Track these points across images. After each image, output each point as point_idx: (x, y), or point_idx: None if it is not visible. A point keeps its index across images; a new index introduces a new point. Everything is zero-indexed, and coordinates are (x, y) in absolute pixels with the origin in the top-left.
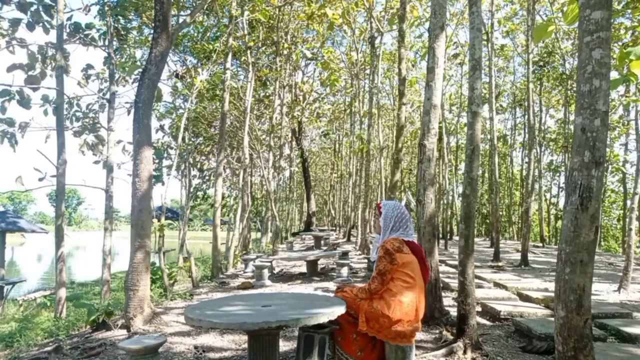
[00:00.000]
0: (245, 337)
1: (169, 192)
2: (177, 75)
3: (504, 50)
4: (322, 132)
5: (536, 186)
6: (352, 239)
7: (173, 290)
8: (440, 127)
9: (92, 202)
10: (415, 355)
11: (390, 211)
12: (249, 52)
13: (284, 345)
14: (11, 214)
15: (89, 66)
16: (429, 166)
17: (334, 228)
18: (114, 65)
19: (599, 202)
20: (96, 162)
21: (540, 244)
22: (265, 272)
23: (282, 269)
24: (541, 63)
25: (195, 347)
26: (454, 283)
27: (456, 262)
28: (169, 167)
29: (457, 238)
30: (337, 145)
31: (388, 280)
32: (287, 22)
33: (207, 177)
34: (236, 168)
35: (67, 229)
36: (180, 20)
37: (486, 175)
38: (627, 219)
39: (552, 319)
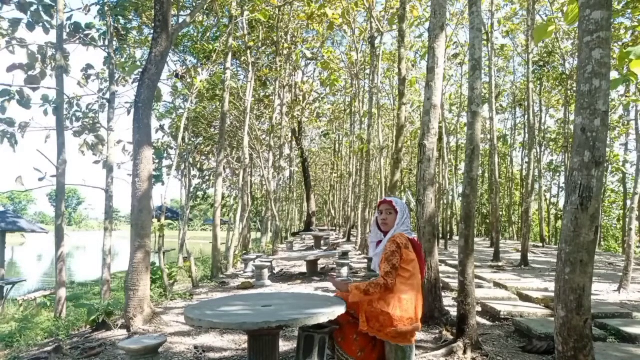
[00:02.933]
0: (245, 337)
1: (169, 192)
2: (177, 75)
3: (504, 50)
4: (322, 132)
5: (536, 186)
6: (352, 239)
7: (173, 290)
8: (440, 127)
9: (92, 202)
10: (415, 355)
11: (403, 205)
12: (249, 52)
13: (284, 345)
14: (11, 214)
15: (89, 66)
16: (429, 166)
17: (334, 228)
18: (114, 65)
19: (599, 202)
20: (96, 162)
21: (540, 244)
22: (265, 272)
23: (282, 269)
24: (541, 63)
25: (195, 347)
26: (454, 283)
27: (456, 262)
28: (169, 167)
29: (457, 238)
30: (337, 145)
31: (396, 275)
32: (287, 22)
33: (207, 177)
34: (236, 168)
35: (67, 229)
36: (180, 20)
37: (486, 175)
38: (627, 219)
39: (552, 319)
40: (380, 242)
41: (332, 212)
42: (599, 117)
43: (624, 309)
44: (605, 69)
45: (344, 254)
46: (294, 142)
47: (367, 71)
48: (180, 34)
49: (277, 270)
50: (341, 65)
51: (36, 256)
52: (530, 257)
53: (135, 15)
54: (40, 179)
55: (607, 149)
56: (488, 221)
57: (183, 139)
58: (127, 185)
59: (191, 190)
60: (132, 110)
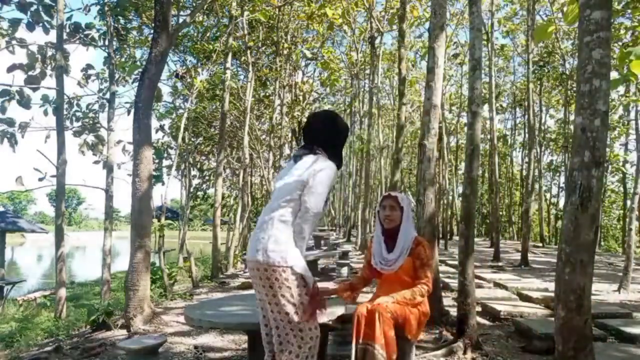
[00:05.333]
0: (245, 337)
1: (169, 192)
2: (177, 75)
3: (504, 50)
4: None
5: (536, 186)
6: (352, 239)
7: (173, 290)
8: (440, 127)
9: (92, 202)
10: (415, 355)
11: (407, 201)
12: (249, 52)
13: None
14: (11, 214)
15: (89, 66)
16: (429, 166)
17: (334, 228)
18: (114, 65)
19: (599, 202)
20: (96, 162)
21: (540, 244)
22: None
23: None
24: (541, 63)
25: (195, 347)
26: (454, 283)
27: (456, 262)
28: (169, 167)
29: (457, 238)
30: None
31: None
32: (287, 22)
33: (207, 177)
34: (236, 168)
35: (67, 228)
36: (180, 20)
37: (486, 175)
38: (627, 219)
39: (552, 319)
40: (385, 240)
41: (332, 212)
42: (599, 117)
43: (624, 309)
44: (605, 69)
45: (344, 254)
46: (294, 142)
47: (367, 71)
48: (180, 34)
49: None
50: (341, 65)
51: (36, 256)
52: (530, 257)
53: (135, 15)
54: (40, 179)
55: (607, 149)
56: (488, 221)
57: (183, 139)
58: (127, 185)
59: (191, 190)
60: (132, 110)
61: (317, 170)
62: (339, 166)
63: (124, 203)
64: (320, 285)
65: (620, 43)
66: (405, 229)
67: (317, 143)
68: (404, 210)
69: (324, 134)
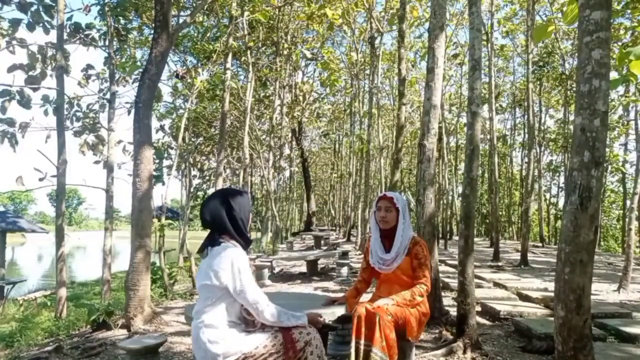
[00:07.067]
0: None
1: (170, 192)
2: (177, 76)
3: (503, 50)
4: (322, 132)
5: (536, 186)
6: (352, 238)
7: (173, 290)
8: (440, 127)
9: (93, 202)
10: (415, 354)
11: (403, 202)
12: (249, 52)
13: None
14: (11, 214)
15: (89, 66)
16: (428, 166)
17: (334, 228)
18: (114, 66)
19: (598, 202)
20: (96, 162)
21: (540, 244)
22: (265, 272)
23: (282, 269)
24: (541, 63)
25: None
26: (454, 283)
27: (456, 262)
28: (169, 167)
29: (457, 238)
30: (337, 145)
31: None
32: (287, 23)
33: (207, 177)
34: (236, 168)
35: (67, 228)
36: (181, 20)
37: (486, 175)
38: (627, 219)
39: (552, 318)
40: (382, 240)
41: (332, 212)
42: (599, 117)
43: (624, 309)
44: (604, 69)
45: (344, 254)
46: (294, 142)
47: (367, 71)
48: (180, 34)
49: (277, 270)
50: (341, 66)
51: (36, 256)
52: (530, 257)
53: (135, 16)
54: (41, 179)
55: (607, 149)
56: (488, 221)
57: (183, 139)
58: (128, 185)
59: (191, 190)
60: (133, 111)
61: (235, 272)
62: (246, 244)
63: (124, 203)
64: (324, 287)
65: (620, 43)
66: (402, 229)
67: (218, 229)
68: (400, 211)
69: (220, 219)
